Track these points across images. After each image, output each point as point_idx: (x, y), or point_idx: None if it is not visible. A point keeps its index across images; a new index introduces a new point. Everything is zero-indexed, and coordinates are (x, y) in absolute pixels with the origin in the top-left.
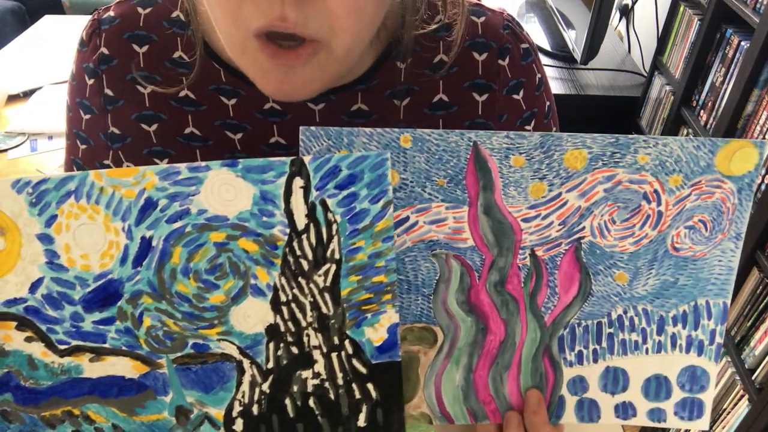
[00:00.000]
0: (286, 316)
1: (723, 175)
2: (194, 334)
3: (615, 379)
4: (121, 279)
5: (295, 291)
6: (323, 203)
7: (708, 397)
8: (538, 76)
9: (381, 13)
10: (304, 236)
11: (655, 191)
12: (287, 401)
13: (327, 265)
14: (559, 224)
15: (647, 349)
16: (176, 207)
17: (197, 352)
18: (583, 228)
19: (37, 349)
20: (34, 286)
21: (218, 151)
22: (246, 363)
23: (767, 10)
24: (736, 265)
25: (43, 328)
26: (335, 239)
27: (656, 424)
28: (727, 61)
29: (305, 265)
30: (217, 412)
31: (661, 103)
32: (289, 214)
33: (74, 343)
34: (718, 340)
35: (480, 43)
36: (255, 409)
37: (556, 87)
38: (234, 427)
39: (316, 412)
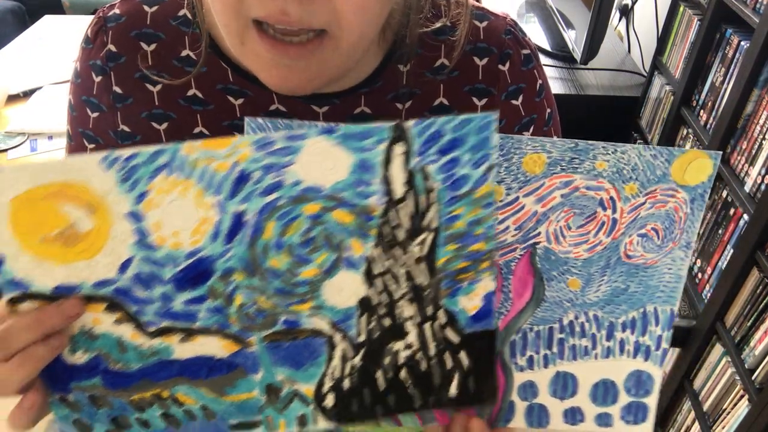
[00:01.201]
0: (379, 288)
1: (677, 185)
2: (285, 310)
3: (564, 385)
4: (213, 256)
5: (390, 262)
6: (423, 171)
7: (652, 402)
8: (539, 82)
9: (386, 10)
10: (401, 205)
11: (611, 198)
12: (378, 374)
13: (423, 235)
14: (515, 229)
15: (596, 355)
16: (270, 179)
17: (288, 328)
18: (539, 233)
19: (127, 332)
20: (124, 267)
21: None
22: (337, 337)
23: (767, 10)
24: (685, 273)
25: (133, 309)
26: (433, 207)
27: (603, 429)
28: (727, 61)
29: (401, 235)
30: (307, 389)
31: (661, 103)
32: (386, 182)
33: (164, 324)
34: (664, 345)
35: (481, 48)
36: (346, 384)
37: (556, 87)
38: (324, 403)
39: (407, 384)
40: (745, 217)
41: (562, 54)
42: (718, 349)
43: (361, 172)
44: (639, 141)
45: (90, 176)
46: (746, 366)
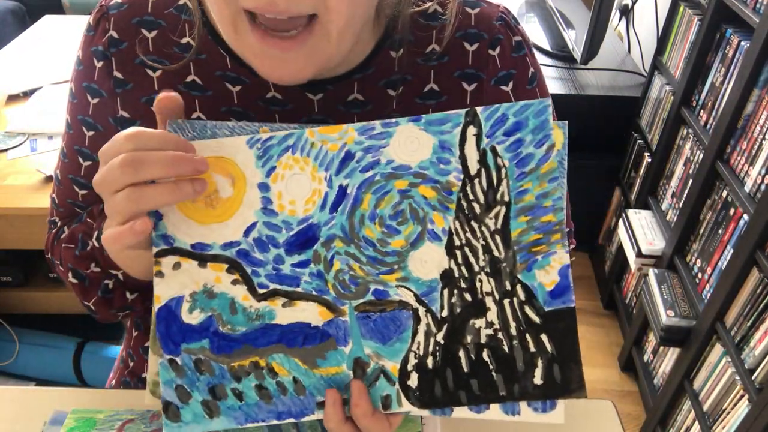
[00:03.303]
0: (459, 260)
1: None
2: (376, 279)
3: None
4: (319, 223)
5: (468, 235)
6: (493, 149)
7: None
8: (531, 70)
9: None
10: (476, 181)
11: None
12: (461, 353)
13: (497, 208)
14: None
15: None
16: (369, 158)
17: (377, 299)
18: None
19: (240, 293)
20: (248, 230)
21: None
22: (422, 311)
23: (767, 10)
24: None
25: (249, 270)
26: (504, 182)
27: (509, 418)
28: (727, 61)
29: (477, 209)
30: (393, 366)
31: (660, 103)
32: (463, 160)
33: (272, 286)
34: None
35: (472, 33)
36: (430, 362)
37: (556, 87)
38: (409, 382)
39: (490, 367)
40: (745, 217)
41: (562, 54)
42: (718, 349)
43: (441, 152)
44: (639, 141)
45: (236, 153)
46: (746, 366)
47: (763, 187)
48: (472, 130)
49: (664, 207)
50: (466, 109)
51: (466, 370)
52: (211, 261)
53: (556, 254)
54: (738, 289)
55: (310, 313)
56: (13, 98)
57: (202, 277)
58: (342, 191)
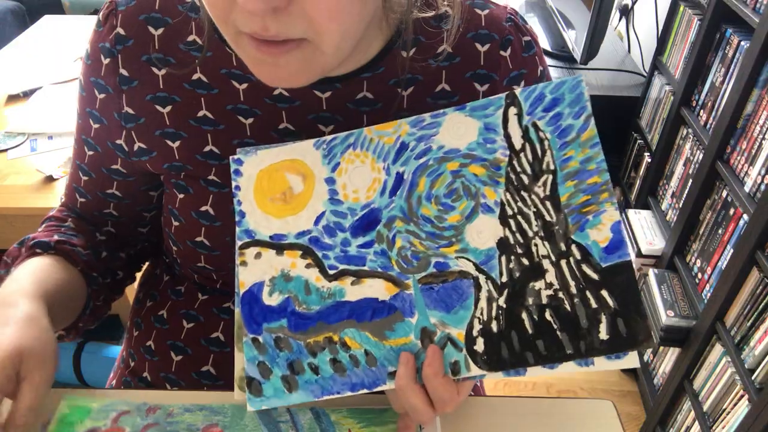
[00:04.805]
0: (513, 228)
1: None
2: (436, 252)
3: None
4: (380, 207)
5: (519, 204)
6: (534, 125)
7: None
8: (540, 68)
9: (369, 6)
10: (521, 154)
11: None
12: (524, 315)
13: (544, 176)
14: None
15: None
16: (421, 146)
17: (438, 271)
18: None
19: (313, 275)
20: (318, 219)
21: (229, 136)
22: (482, 278)
23: (767, 10)
24: None
25: (320, 254)
26: (548, 153)
27: (584, 369)
28: (726, 61)
29: (525, 179)
30: (459, 333)
31: (660, 103)
32: (507, 138)
33: (341, 267)
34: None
35: (483, 34)
36: (494, 326)
37: None
38: (475, 347)
39: (554, 326)
40: (745, 217)
41: (562, 54)
42: (718, 349)
43: (486, 133)
44: (639, 141)
45: (305, 154)
46: (746, 366)
47: (763, 187)
48: (513, 110)
49: (663, 207)
50: (506, 93)
51: (530, 331)
52: (287, 249)
53: (606, 212)
54: (738, 289)
55: (377, 289)
56: (13, 98)
57: (279, 263)
58: (399, 177)
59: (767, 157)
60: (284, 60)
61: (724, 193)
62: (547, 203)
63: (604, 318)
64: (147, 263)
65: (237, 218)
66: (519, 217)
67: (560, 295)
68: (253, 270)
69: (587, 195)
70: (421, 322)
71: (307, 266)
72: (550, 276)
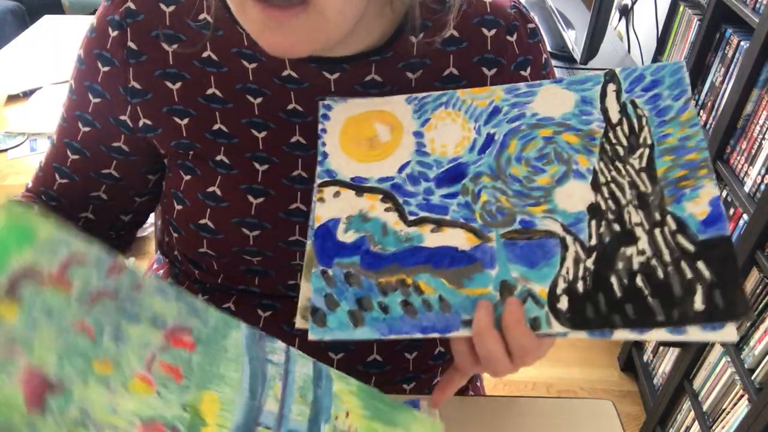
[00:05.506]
0: (606, 195)
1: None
2: (522, 210)
3: None
4: (468, 162)
5: (613, 173)
6: (632, 102)
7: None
8: (544, 56)
9: None
10: (618, 128)
11: None
12: (613, 279)
13: (641, 149)
14: None
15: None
16: (515, 111)
17: (524, 227)
18: None
19: (391, 219)
20: (402, 168)
21: (237, 115)
22: (569, 239)
23: (767, 10)
24: None
25: (401, 200)
26: (646, 128)
27: (675, 337)
28: (726, 61)
29: (621, 151)
30: (541, 289)
31: None
32: (604, 111)
33: (422, 214)
34: None
35: (488, 20)
36: (580, 286)
37: None
38: (559, 306)
39: (645, 292)
40: (745, 217)
41: (562, 54)
42: (717, 349)
43: (583, 105)
44: None
45: (396, 107)
46: (746, 366)
47: (762, 187)
48: (612, 87)
49: None
50: (606, 70)
51: (619, 294)
52: (368, 192)
53: (704, 187)
54: None
55: (458, 239)
56: (13, 98)
57: (358, 204)
58: (490, 138)
59: (767, 157)
60: (288, 25)
61: (724, 193)
62: (643, 175)
63: (699, 289)
64: (146, 264)
65: (319, 158)
66: (612, 185)
67: (653, 262)
68: (331, 207)
69: (685, 170)
70: (501, 274)
71: (387, 210)
72: (643, 243)
